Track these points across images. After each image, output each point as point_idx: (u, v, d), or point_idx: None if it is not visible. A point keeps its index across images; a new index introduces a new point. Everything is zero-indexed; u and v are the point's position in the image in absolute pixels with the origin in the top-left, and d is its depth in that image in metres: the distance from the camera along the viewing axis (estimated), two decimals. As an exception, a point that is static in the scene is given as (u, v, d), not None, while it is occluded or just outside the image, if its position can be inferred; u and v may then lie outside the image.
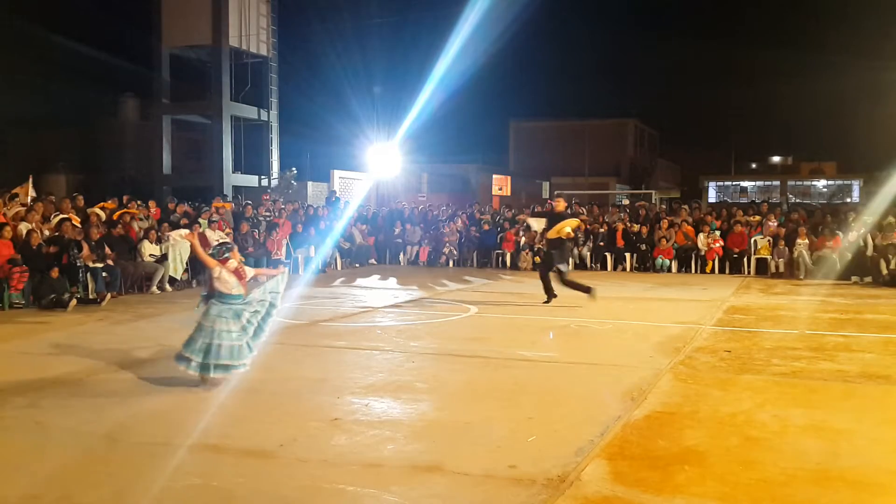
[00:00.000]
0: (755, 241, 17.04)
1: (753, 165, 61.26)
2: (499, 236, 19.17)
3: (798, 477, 4.20)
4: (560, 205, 12.03)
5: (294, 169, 27.50)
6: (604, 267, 17.98)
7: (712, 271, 17.02)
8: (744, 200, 41.66)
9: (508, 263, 18.57)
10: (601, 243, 18.21)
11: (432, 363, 7.27)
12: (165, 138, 27.43)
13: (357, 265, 18.58)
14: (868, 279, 14.89)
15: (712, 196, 48.08)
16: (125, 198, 15.69)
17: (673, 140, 60.45)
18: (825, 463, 4.43)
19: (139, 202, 15.64)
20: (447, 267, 18.83)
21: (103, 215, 13.63)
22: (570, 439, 4.82)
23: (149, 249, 13.38)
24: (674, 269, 17.37)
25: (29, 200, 13.39)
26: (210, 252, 6.53)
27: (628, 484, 4.09)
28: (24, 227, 11.78)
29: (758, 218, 18.06)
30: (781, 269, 16.24)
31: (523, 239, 18.55)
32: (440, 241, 19.39)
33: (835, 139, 60.27)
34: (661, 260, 17.42)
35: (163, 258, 13.43)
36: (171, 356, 7.41)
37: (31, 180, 14.15)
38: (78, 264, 11.58)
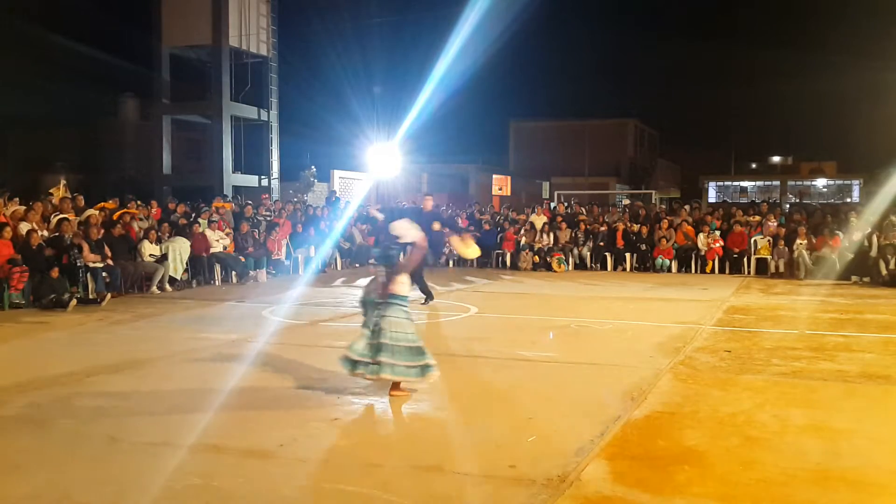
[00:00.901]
0: (755, 241, 17.04)
1: (753, 165, 61.18)
2: (499, 236, 19.16)
3: (798, 477, 4.20)
4: (428, 203, 12.54)
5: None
6: (604, 267, 17.98)
7: (712, 271, 17.02)
8: (744, 200, 41.63)
9: (508, 263, 18.57)
10: (601, 243, 18.21)
11: (432, 363, 7.25)
12: (165, 138, 27.41)
13: (357, 265, 18.57)
14: (867, 279, 14.89)
15: (712, 196, 47.98)
16: (127, 197, 15.72)
17: (673, 140, 60.41)
18: (825, 463, 4.43)
19: (139, 202, 15.64)
20: (447, 267, 18.82)
21: (96, 213, 13.60)
22: (570, 439, 4.82)
23: (149, 249, 13.38)
24: (674, 269, 17.37)
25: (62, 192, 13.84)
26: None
27: (628, 484, 4.09)
28: (24, 227, 11.79)
29: (758, 218, 18.06)
30: (781, 269, 16.23)
31: (524, 239, 18.60)
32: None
33: (835, 139, 60.17)
34: (661, 260, 17.42)
35: (163, 258, 13.43)
36: (169, 356, 7.45)
37: (62, 183, 14.43)
38: (78, 264, 11.59)
